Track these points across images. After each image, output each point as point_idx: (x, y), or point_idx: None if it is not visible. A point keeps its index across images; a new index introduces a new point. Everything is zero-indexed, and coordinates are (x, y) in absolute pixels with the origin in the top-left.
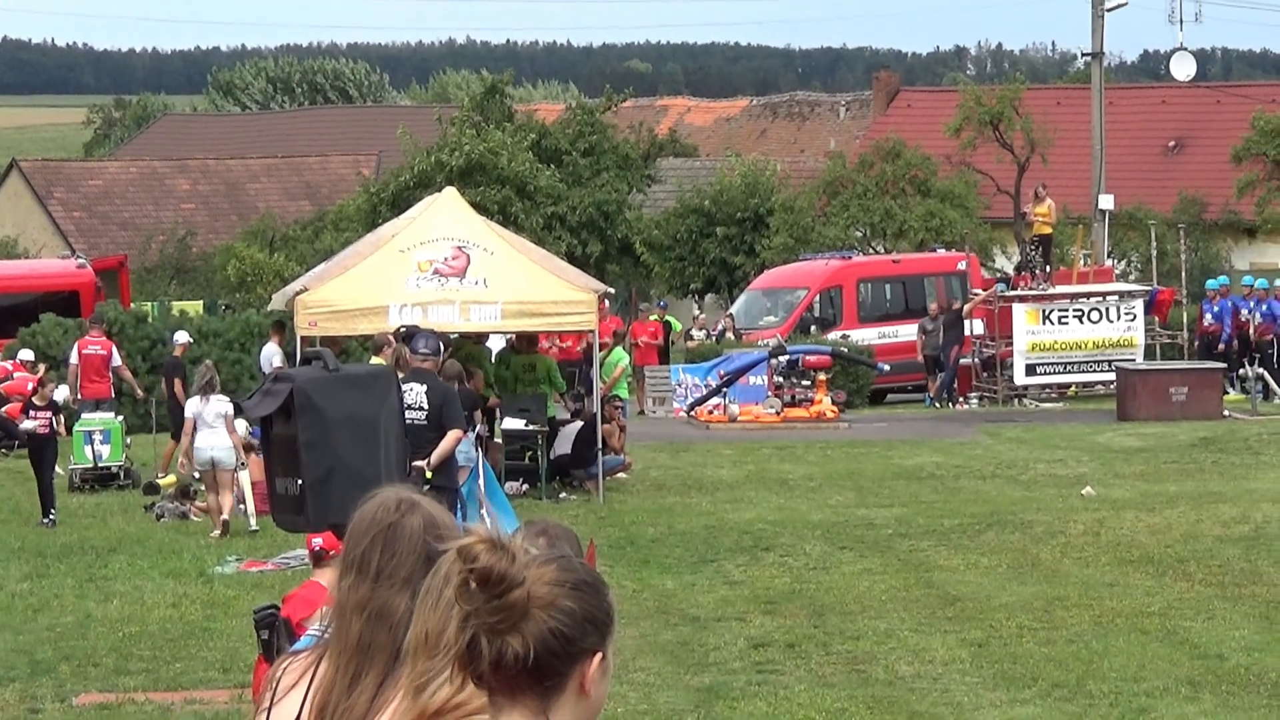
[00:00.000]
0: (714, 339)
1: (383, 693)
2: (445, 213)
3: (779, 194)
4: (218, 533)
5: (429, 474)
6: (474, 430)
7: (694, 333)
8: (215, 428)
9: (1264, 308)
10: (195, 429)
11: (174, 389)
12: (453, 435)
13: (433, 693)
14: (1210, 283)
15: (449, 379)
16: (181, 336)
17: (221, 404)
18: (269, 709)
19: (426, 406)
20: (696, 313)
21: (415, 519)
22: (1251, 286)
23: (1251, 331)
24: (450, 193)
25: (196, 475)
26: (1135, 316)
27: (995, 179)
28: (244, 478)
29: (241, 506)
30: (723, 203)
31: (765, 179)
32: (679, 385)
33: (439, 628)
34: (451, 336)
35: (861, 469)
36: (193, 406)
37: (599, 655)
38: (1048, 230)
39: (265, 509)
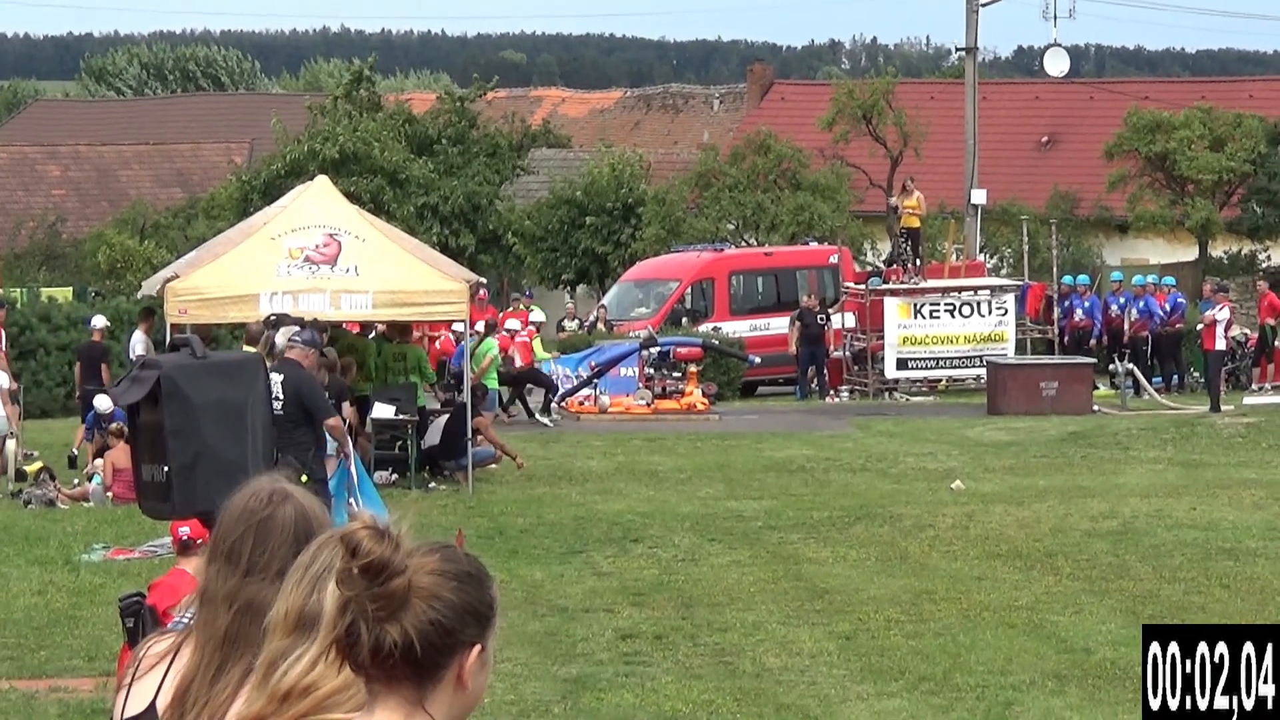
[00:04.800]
0: (586, 330)
1: (248, 683)
2: (317, 200)
3: (647, 185)
4: None
5: (304, 478)
6: (344, 421)
7: (566, 323)
8: None
9: (1140, 304)
10: None
11: (99, 373)
12: (332, 423)
13: (284, 672)
14: (1067, 279)
15: (322, 368)
16: (99, 321)
17: None
18: (129, 686)
19: (283, 397)
20: (568, 303)
21: (288, 510)
22: (1122, 282)
23: (1126, 327)
24: (322, 181)
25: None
26: (1006, 311)
27: (868, 173)
28: (10, 446)
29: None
30: (593, 193)
31: (631, 170)
32: (549, 376)
33: (299, 606)
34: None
35: (731, 461)
36: None
37: (478, 647)
38: (916, 223)
39: (131, 496)
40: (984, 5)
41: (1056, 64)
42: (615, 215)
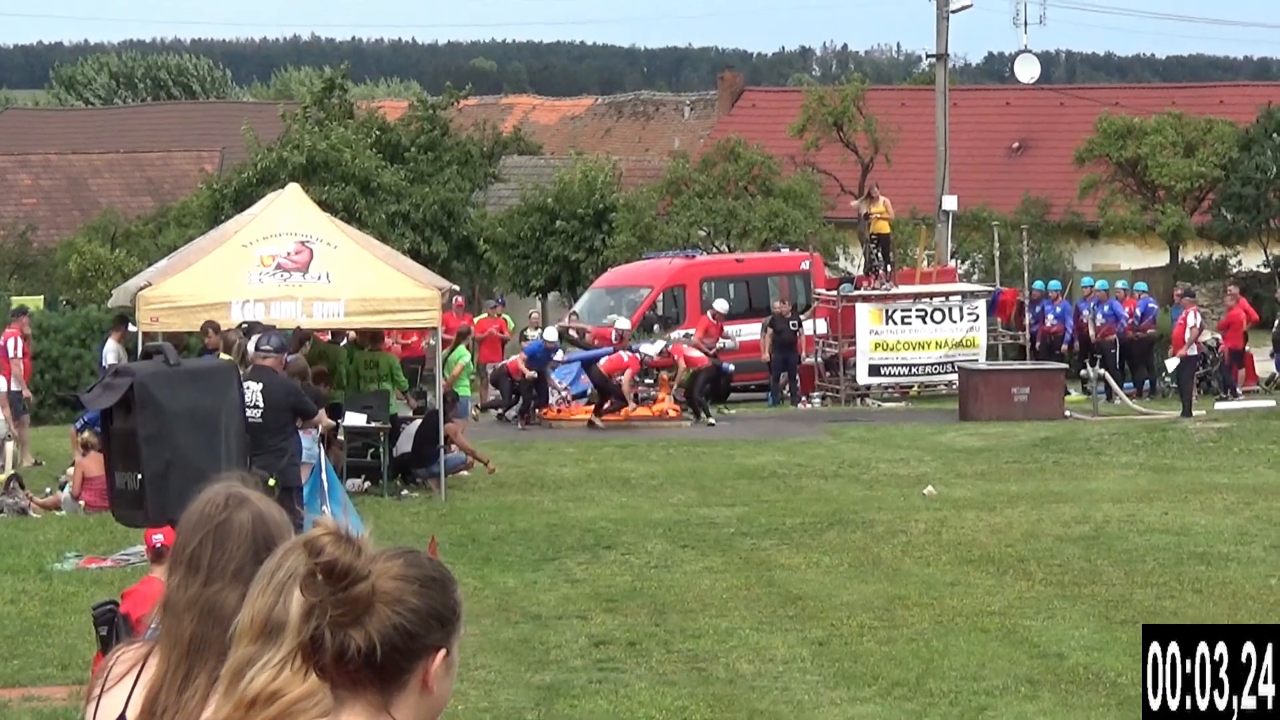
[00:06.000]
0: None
1: (216, 690)
2: (289, 208)
3: (618, 192)
4: None
5: (272, 482)
6: (317, 428)
7: (528, 332)
8: None
9: (1105, 308)
10: None
11: None
12: (317, 419)
13: (250, 679)
14: (1038, 284)
15: (294, 376)
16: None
17: None
18: (98, 698)
19: (262, 405)
20: (532, 312)
21: (244, 514)
22: (1091, 287)
23: (1092, 332)
24: (294, 188)
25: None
26: (978, 317)
27: (839, 179)
28: (9, 449)
29: None
30: (565, 200)
31: (603, 176)
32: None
33: (266, 612)
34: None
35: (704, 468)
36: None
37: (443, 652)
38: (886, 228)
39: (103, 504)
40: (954, 12)
41: (1027, 70)
42: (587, 222)
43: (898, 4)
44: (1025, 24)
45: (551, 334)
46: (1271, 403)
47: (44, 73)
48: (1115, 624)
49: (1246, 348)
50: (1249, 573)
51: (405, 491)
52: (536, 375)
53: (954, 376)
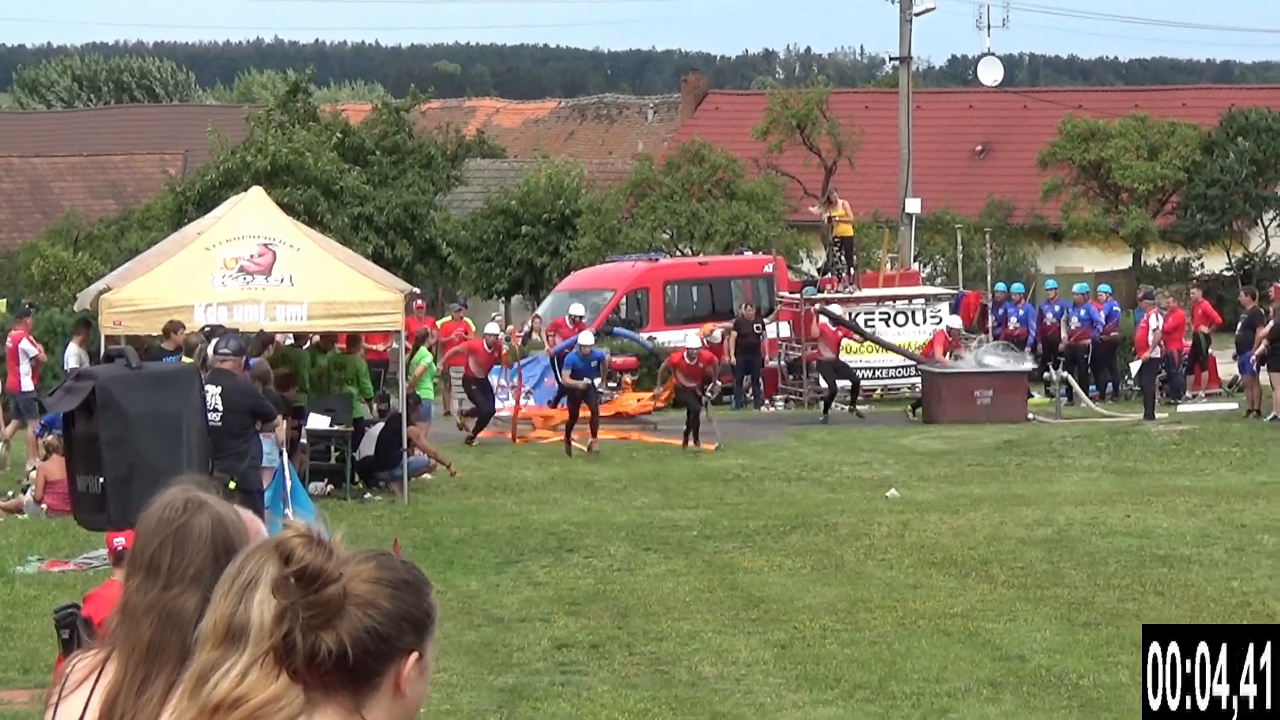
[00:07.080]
0: (520, 340)
1: (173, 694)
2: (251, 211)
3: (585, 195)
4: None
5: (232, 485)
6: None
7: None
8: None
9: (1081, 312)
10: None
11: None
12: (276, 423)
13: (214, 684)
14: (1000, 286)
15: (256, 380)
16: None
17: None
18: (56, 704)
19: (221, 408)
20: (495, 315)
21: (204, 518)
22: (1055, 290)
23: (1065, 335)
24: (256, 191)
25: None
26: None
27: (803, 182)
28: None
29: None
30: (529, 203)
31: (570, 180)
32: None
33: (228, 617)
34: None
35: (667, 471)
36: None
37: (415, 654)
38: (849, 231)
39: (65, 508)
40: (917, 15)
41: (990, 73)
42: (552, 226)
43: (861, 7)
44: (988, 27)
45: (587, 338)
46: (1234, 405)
47: (6, 75)
48: (1077, 626)
49: (1211, 350)
50: (1211, 575)
51: (368, 494)
52: (585, 387)
53: (917, 379)
